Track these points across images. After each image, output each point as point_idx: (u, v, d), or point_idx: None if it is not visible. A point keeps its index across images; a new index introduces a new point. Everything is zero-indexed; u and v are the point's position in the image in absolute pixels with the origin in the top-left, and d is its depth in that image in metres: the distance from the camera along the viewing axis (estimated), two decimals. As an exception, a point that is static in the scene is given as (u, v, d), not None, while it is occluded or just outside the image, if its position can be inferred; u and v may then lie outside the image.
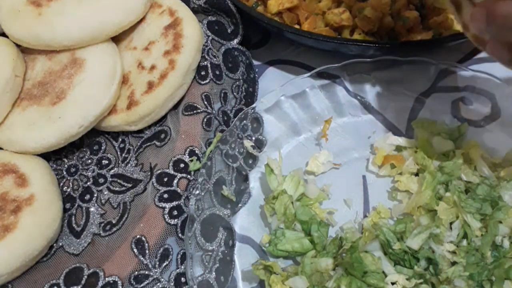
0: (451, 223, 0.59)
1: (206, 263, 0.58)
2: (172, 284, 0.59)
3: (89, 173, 0.68)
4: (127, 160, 0.68)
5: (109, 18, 0.67)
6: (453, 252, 0.56)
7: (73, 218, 0.65)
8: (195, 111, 0.67)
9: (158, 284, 0.58)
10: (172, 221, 0.61)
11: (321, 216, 0.62)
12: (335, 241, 0.59)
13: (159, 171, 0.64)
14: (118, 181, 0.67)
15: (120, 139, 0.71)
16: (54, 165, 0.70)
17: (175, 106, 0.69)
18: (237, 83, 0.72)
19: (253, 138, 0.67)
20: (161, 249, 0.60)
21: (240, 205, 0.64)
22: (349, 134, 0.70)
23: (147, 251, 0.59)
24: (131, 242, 0.59)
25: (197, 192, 0.60)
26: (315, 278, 0.56)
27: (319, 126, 0.69)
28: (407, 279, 0.55)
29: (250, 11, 0.73)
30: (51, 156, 0.69)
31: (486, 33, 0.48)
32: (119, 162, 0.69)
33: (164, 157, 0.65)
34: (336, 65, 0.68)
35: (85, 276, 0.59)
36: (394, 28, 0.72)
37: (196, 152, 0.65)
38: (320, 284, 0.56)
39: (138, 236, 0.60)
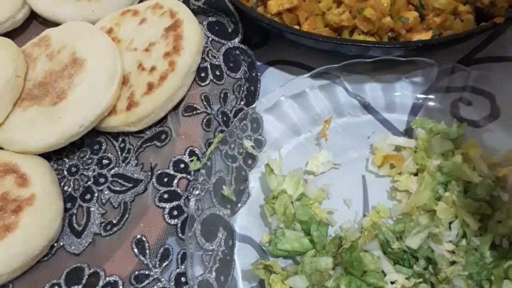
0: (450, 223, 0.59)
1: (206, 263, 0.58)
2: (173, 283, 0.59)
3: (90, 173, 0.69)
4: (128, 160, 0.69)
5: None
6: (452, 252, 0.56)
7: (74, 218, 0.65)
8: (194, 112, 0.67)
9: (159, 284, 0.59)
10: (172, 221, 0.61)
11: (321, 216, 0.62)
12: (335, 240, 0.59)
13: (159, 171, 0.64)
14: (119, 181, 0.67)
15: (121, 139, 0.71)
16: (55, 165, 0.70)
17: (175, 107, 0.70)
18: (239, 82, 0.72)
19: (253, 138, 0.67)
20: (162, 249, 0.60)
21: (240, 205, 0.65)
22: (349, 134, 0.70)
23: (147, 251, 0.59)
24: (132, 242, 0.60)
25: (197, 192, 0.60)
26: (315, 278, 0.56)
27: (319, 126, 0.69)
28: (406, 278, 0.55)
29: (251, 11, 0.73)
30: (52, 156, 0.70)
31: None
32: (120, 162, 0.69)
33: (164, 157, 0.66)
34: (336, 65, 0.68)
35: (86, 276, 0.59)
36: (394, 28, 0.72)
37: (196, 152, 0.65)
38: (320, 284, 0.56)
39: (138, 236, 0.60)
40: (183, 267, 0.60)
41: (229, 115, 0.70)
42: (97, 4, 0.80)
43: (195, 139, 0.66)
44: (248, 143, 0.66)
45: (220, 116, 0.69)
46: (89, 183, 0.68)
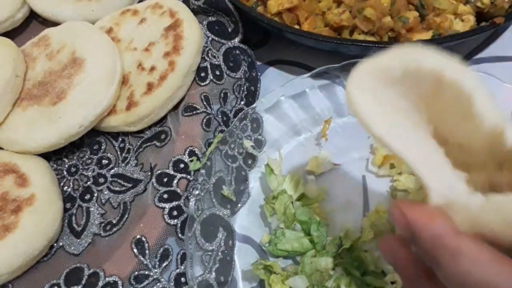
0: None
1: (206, 263, 0.58)
2: (172, 284, 0.59)
3: (89, 173, 0.68)
4: (127, 160, 0.69)
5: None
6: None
7: (73, 218, 0.65)
8: (194, 112, 0.67)
9: (158, 284, 0.58)
10: (172, 222, 0.61)
11: (321, 216, 0.62)
12: (335, 240, 0.59)
13: (159, 171, 0.64)
14: (118, 181, 0.67)
15: (120, 139, 0.71)
16: (55, 165, 0.70)
17: (175, 107, 0.69)
18: (239, 82, 0.72)
19: (253, 138, 0.67)
20: (161, 249, 0.60)
21: (240, 205, 0.65)
22: (349, 134, 0.69)
23: (147, 251, 0.59)
24: (131, 242, 0.60)
25: (197, 192, 0.60)
26: (315, 278, 0.56)
27: (319, 126, 0.69)
28: (406, 279, 0.55)
29: (250, 11, 0.73)
30: (51, 156, 0.70)
31: None
32: (119, 162, 0.69)
33: (164, 157, 0.65)
34: (336, 65, 0.68)
35: (86, 276, 0.59)
36: (394, 28, 0.72)
37: (196, 152, 0.65)
38: (320, 284, 0.56)
39: (138, 236, 0.60)
40: (182, 267, 0.60)
41: (229, 115, 0.70)
42: (97, 3, 0.80)
43: (195, 139, 0.65)
44: (248, 143, 0.66)
45: (220, 116, 0.69)
46: (88, 183, 0.68)
